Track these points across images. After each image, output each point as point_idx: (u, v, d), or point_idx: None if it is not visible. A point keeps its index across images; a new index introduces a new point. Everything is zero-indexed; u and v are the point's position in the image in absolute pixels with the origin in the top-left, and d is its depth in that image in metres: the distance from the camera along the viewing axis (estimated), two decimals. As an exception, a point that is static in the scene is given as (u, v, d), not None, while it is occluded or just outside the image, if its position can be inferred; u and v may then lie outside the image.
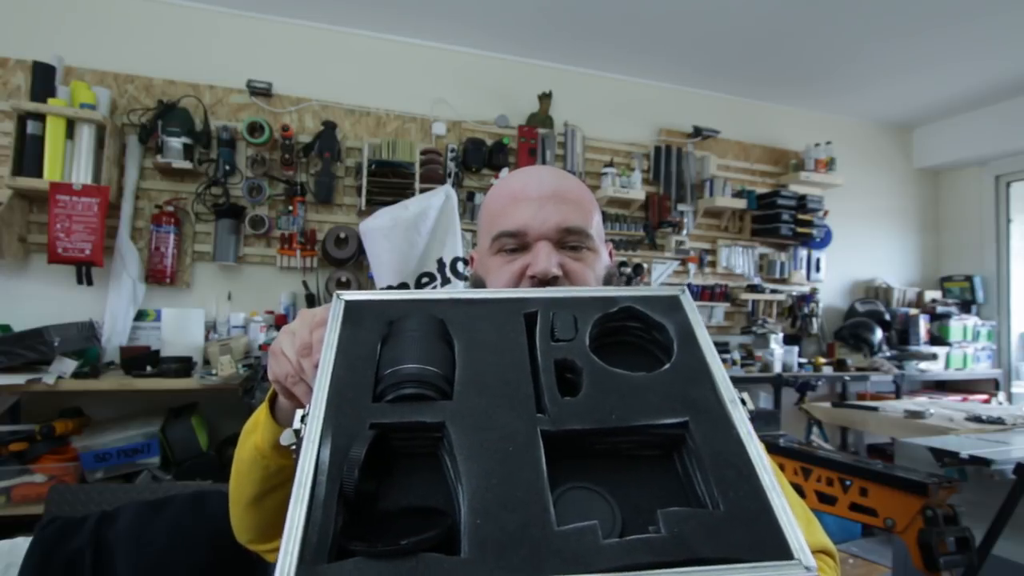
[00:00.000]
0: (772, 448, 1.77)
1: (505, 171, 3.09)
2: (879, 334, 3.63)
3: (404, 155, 2.85)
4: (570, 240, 0.72)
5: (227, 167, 2.67)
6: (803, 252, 3.81)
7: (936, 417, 2.42)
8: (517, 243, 0.73)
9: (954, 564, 1.33)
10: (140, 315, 2.56)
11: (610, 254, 0.82)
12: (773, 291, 3.67)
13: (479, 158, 3.06)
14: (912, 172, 4.33)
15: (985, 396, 3.73)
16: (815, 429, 3.01)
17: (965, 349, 3.84)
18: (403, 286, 1.94)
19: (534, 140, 3.19)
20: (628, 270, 3.29)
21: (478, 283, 0.79)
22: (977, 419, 2.35)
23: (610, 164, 3.32)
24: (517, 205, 0.73)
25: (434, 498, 0.45)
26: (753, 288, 3.64)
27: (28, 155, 2.28)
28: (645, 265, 3.37)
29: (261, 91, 2.78)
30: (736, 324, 3.67)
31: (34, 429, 2.10)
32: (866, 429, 2.75)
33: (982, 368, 3.88)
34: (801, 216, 3.63)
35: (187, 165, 2.55)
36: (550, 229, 0.71)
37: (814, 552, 0.68)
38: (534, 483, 0.42)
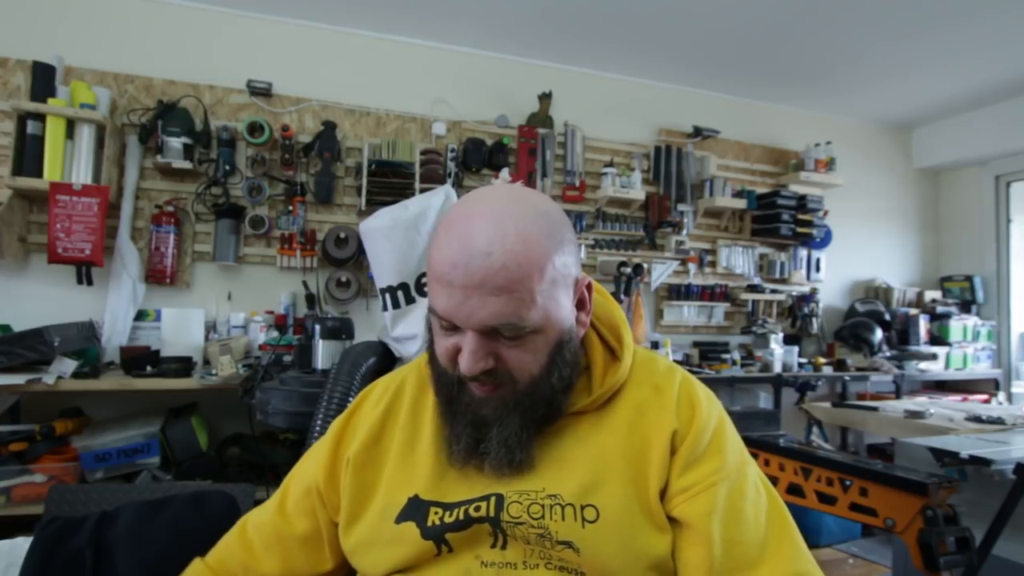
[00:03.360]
0: (772, 448, 1.77)
1: (504, 172, 3.09)
2: (879, 334, 3.63)
3: (404, 155, 2.85)
4: (504, 331, 0.66)
5: (227, 167, 2.67)
6: (803, 252, 3.81)
7: (936, 417, 2.41)
8: (449, 323, 0.67)
9: (954, 564, 1.33)
10: (140, 315, 2.56)
11: (588, 288, 0.74)
12: (773, 291, 3.67)
13: (479, 158, 3.06)
14: (912, 172, 4.33)
15: (985, 396, 3.73)
16: (815, 429, 3.01)
17: (965, 349, 3.83)
18: (403, 286, 1.93)
19: (534, 140, 3.19)
20: (628, 270, 3.29)
21: (429, 327, 0.74)
22: (977, 419, 2.35)
23: (610, 164, 3.32)
24: (445, 288, 0.65)
25: None
26: (753, 288, 3.64)
27: (28, 155, 2.28)
28: (645, 265, 3.37)
29: (261, 91, 2.78)
30: (736, 324, 3.67)
31: (34, 429, 2.10)
32: (866, 429, 2.74)
33: (982, 368, 3.88)
34: (801, 216, 3.63)
35: (187, 165, 2.55)
36: (475, 325, 0.65)
37: None
38: None
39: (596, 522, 0.66)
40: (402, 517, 0.71)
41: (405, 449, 0.77)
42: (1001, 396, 3.78)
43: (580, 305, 0.73)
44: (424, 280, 1.94)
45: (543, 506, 0.68)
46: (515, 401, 0.69)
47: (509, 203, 0.67)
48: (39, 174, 2.29)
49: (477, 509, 0.69)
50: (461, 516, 0.69)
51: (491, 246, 0.63)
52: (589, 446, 0.71)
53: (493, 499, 0.69)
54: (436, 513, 0.70)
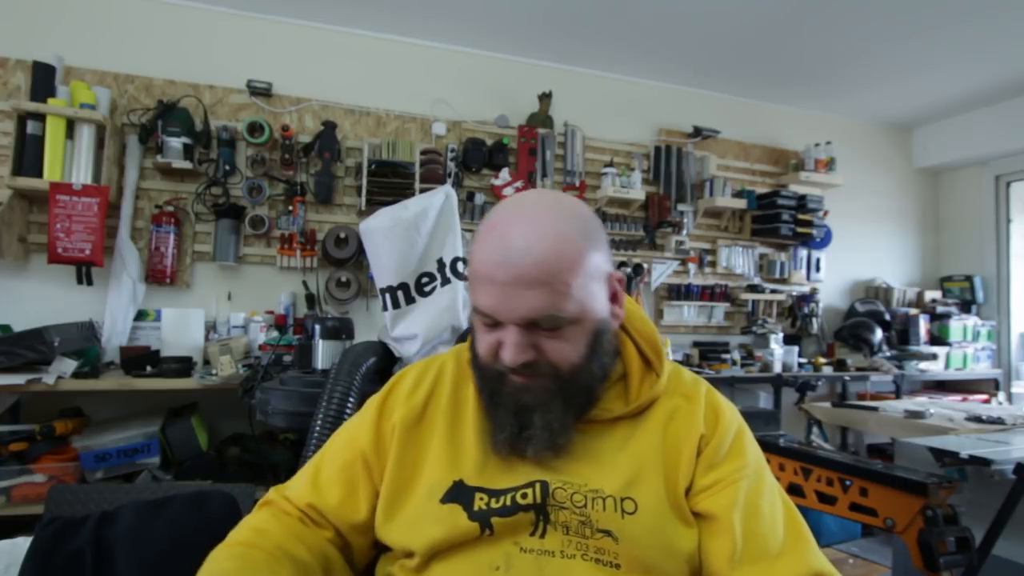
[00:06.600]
0: (772, 448, 1.77)
1: (504, 172, 3.09)
2: (879, 334, 3.63)
3: (404, 155, 2.85)
4: (543, 323, 0.70)
5: (227, 167, 2.67)
6: (803, 252, 3.81)
7: (936, 417, 2.41)
8: (491, 320, 0.72)
9: (954, 564, 1.33)
10: (140, 315, 2.56)
11: (620, 282, 0.78)
12: (773, 291, 3.67)
13: (479, 158, 3.06)
14: (912, 172, 4.33)
15: (985, 396, 3.73)
16: (815, 429, 3.01)
17: (965, 349, 3.83)
18: (403, 286, 1.93)
19: (534, 140, 3.19)
20: (628, 270, 3.29)
21: (471, 327, 0.79)
22: (977, 419, 2.35)
23: (610, 164, 3.32)
24: (487, 286, 0.70)
25: None
26: (753, 288, 3.64)
27: (28, 155, 2.28)
28: (645, 265, 3.37)
29: (261, 91, 2.78)
30: (736, 324, 3.67)
31: (34, 429, 2.10)
32: (866, 429, 2.74)
33: (982, 368, 3.88)
34: (801, 216, 3.63)
35: (187, 165, 2.55)
36: (518, 318, 0.69)
37: None
38: None
39: (635, 514, 0.71)
40: (447, 498, 0.74)
41: (448, 433, 0.80)
42: (1001, 396, 3.78)
43: (613, 299, 0.78)
44: (424, 280, 1.94)
45: (586, 496, 0.72)
46: (558, 388, 0.73)
47: (545, 206, 0.73)
48: (39, 174, 2.29)
49: (524, 496, 0.72)
50: (508, 503, 0.72)
51: (527, 243, 0.68)
52: (628, 448, 0.76)
53: (538, 486, 0.73)
54: (482, 499, 0.73)
